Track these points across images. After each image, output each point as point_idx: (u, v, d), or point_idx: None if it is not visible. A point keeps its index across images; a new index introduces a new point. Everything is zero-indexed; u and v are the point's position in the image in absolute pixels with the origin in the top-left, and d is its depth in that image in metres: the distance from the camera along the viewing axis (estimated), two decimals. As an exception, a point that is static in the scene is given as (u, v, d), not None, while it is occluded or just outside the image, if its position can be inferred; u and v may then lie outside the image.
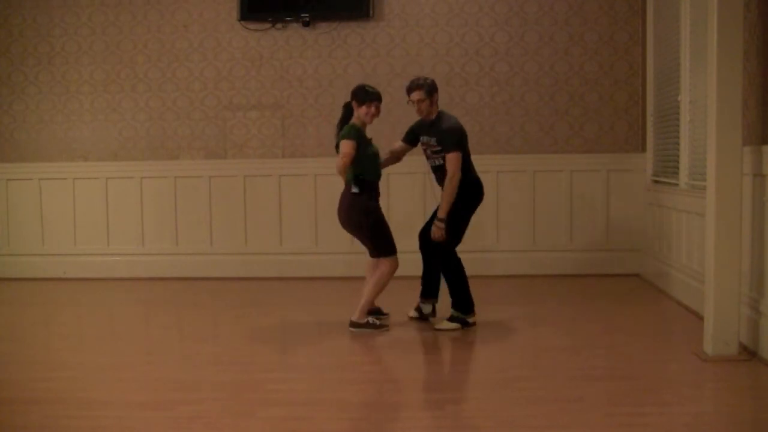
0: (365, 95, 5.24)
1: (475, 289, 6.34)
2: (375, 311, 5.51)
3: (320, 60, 7.43)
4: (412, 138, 5.60)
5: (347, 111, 5.35)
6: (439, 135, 5.33)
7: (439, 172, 5.40)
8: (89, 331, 5.77)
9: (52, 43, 7.60)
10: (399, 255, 5.38)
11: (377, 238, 5.27)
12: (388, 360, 4.88)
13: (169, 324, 6.02)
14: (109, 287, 7.25)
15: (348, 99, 5.36)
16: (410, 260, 5.69)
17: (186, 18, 7.51)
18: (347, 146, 5.14)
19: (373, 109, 5.23)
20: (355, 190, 5.21)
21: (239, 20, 7.40)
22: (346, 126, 5.26)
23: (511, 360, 4.65)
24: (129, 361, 4.75)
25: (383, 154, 5.55)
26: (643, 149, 7.16)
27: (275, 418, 3.67)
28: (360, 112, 5.24)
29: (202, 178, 7.53)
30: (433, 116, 5.40)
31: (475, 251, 7.26)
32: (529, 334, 5.39)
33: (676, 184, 6.20)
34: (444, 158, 5.30)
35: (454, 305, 5.45)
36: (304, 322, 5.72)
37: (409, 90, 5.39)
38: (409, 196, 7.31)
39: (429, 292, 5.66)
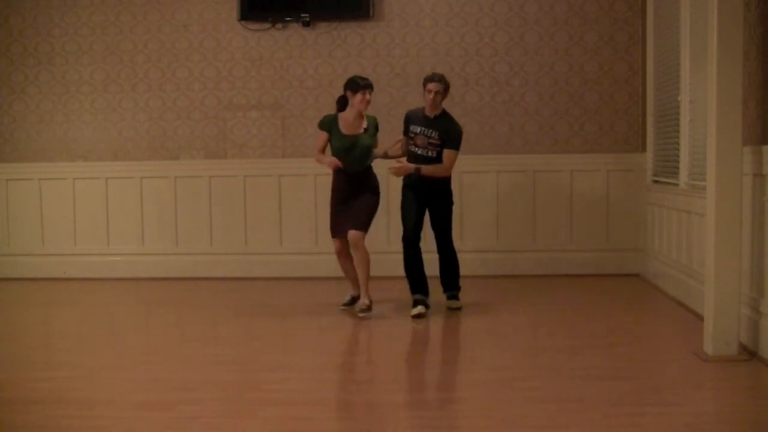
0: (357, 85, 5.58)
1: (475, 289, 6.36)
2: (351, 301, 5.90)
3: (320, 60, 7.43)
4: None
5: (342, 104, 5.68)
6: (446, 131, 5.68)
7: (425, 163, 5.68)
8: (89, 331, 5.76)
9: (52, 43, 7.60)
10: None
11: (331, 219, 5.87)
12: (388, 360, 4.88)
13: (169, 324, 6.01)
14: (109, 287, 7.25)
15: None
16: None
17: (186, 18, 7.51)
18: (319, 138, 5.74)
19: (367, 96, 5.58)
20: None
21: (239, 20, 7.40)
22: (324, 117, 5.74)
23: (511, 360, 4.65)
24: (129, 361, 4.75)
25: (391, 147, 5.95)
26: (643, 149, 7.16)
27: (275, 418, 3.67)
28: (355, 101, 5.58)
29: (202, 178, 7.53)
30: (438, 111, 5.71)
31: (474, 251, 7.27)
32: (529, 334, 5.39)
33: (676, 184, 6.20)
34: (439, 152, 5.65)
35: (456, 287, 5.92)
36: (304, 322, 5.72)
37: (431, 80, 5.69)
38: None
39: (425, 289, 5.83)
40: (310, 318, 5.83)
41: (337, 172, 5.70)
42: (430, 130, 5.66)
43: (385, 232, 6.98)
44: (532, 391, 3.97)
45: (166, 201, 7.56)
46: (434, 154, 5.66)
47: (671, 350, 4.86)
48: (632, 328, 5.44)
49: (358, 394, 4.16)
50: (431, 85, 5.63)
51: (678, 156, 6.14)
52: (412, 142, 5.72)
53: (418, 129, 5.70)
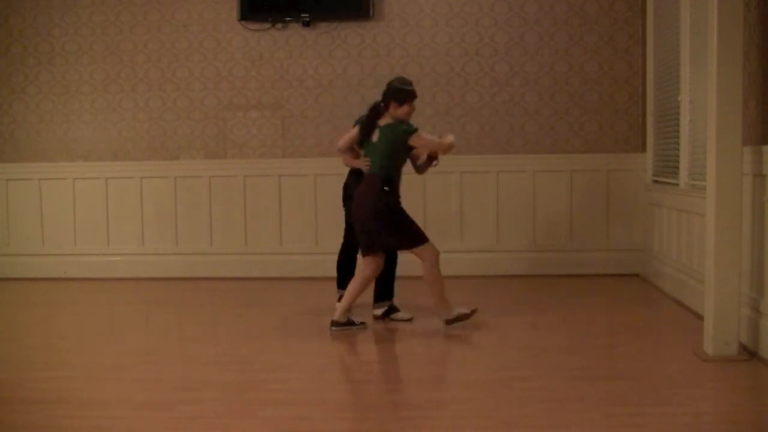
0: (406, 94, 5.11)
1: (476, 289, 6.36)
2: (349, 322, 5.38)
3: (320, 60, 7.43)
4: None
5: (376, 113, 5.18)
6: None
7: None
8: (89, 331, 5.76)
9: (52, 43, 7.60)
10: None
11: (409, 230, 5.17)
12: (388, 360, 4.88)
13: (169, 324, 6.02)
14: (109, 287, 7.25)
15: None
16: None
17: (186, 18, 7.51)
18: (424, 136, 5.17)
19: (414, 106, 5.18)
20: (386, 188, 5.14)
21: (239, 20, 7.40)
22: (402, 125, 5.11)
23: (511, 360, 4.65)
24: (129, 361, 4.75)
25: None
26: (643, 149, 7.16)
27: (275, 418, 3.67)
28: (401, 112, 5.11)
29: (202, 178, 7.53)
30: None
31: (475, 251, 7.28)
32: (529, 334, 5.39)
33: (676, 184, 6.20)
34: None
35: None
36: (304, 322, 5.72)
37: (415, 96, 5.26)
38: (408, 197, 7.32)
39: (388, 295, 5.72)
40: (310, 318, 5.83)
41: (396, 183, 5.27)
42: None
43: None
44: (532, 391, 3.97)
45: (166, 201, 7.56)
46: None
47: (671, 350, 4.86)
48: (632, 328, 5.43)
49: (358, 394, 4.16)
50: (415, 102, 5.26)
51: (678, 156, 6.14)
52: None
53: None
